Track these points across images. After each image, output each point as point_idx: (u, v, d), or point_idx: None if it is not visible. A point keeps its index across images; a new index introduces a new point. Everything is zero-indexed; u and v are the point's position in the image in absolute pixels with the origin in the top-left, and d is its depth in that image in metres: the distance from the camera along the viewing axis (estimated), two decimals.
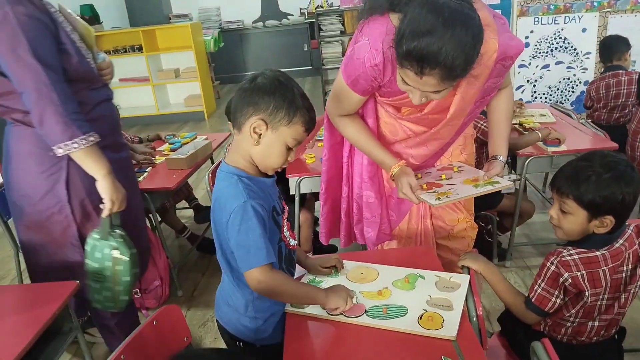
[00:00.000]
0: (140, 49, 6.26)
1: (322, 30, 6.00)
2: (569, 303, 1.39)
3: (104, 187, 1.71)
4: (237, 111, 1.22)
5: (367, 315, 1.30)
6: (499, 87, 1.63)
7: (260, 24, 8.50)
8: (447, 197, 1.56)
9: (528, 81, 4.56)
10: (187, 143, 2.99)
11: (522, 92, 4.57)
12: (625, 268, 1.36)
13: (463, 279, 1.42)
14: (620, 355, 1.52)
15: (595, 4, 4.29)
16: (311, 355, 1.22)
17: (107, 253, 1.74)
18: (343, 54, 6.08)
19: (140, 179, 2.57)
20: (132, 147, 2.73)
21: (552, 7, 4.34)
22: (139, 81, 6.40)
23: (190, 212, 3.51)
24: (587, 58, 4.43)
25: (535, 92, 4.60)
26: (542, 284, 1.38)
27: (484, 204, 2.37)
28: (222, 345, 2.28)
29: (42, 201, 1.79)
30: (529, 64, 4.50)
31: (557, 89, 4.57)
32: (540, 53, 4.47)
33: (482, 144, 2.37)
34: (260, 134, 1.20)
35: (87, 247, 1.77)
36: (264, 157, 1.24)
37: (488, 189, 1.60)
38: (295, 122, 1.20)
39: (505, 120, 1.72)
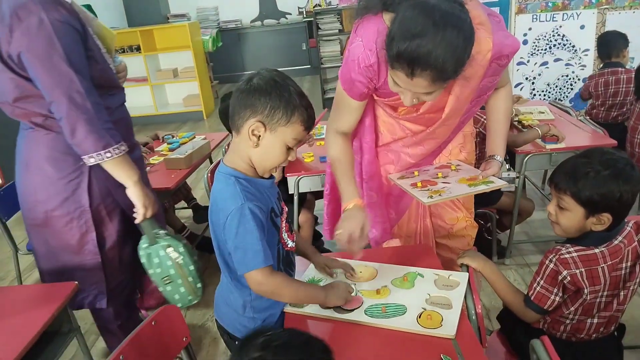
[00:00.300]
0: (138, 49, 6.25)
1: (320, 29, 6.00)
2: (568, 301, 1.39)
3: (136, 194, 1.71)
4: (235, 114, 1.21)
5: (366, 314, 1.30)
6: (495, 85, 1.62)
7: (258, 23, 8.49)
8: (439, 195, 1.56)
9: (527, 78, 4.56)
10: (186, 143, 2.99)
11: (521, 89, 4.57)
12: (624, 265, 1.36)
13: (462, 277, 1.42)
14: (620, 352, 1.52)
15: (593, 0, 4.29)
16: None
17: (162, 254, 1.74)
18: (341, 52, 6.10)
19: None
20: None
21: (550, 4, 4.34)
22: (137, 81, 6.39)
23: (189, 212, 3.51)
24: (586, 55, 4.43)
25: (534, 89, 4.59)
26: (541, 282, 1.38)
27: (483, 201, 2.36)
28: (221, 345, 2.29)
29: (61, 207, 1.75)
30: (528, 61, 4.50)
31: (556, 86, 4.57)
32: (538, 50, 4.46)
33: (483, 139, 2.36)
34: (260, 136, 1.20)
35: (143, 259, 1.75)
36: (264, 158, 1.23)
37: (482, 188, 1.60)
38: (294, 121, 1.19)
39: (503, 120, 1.72)
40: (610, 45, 3.39)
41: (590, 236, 1.35)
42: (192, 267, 1.77)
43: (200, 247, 3.16)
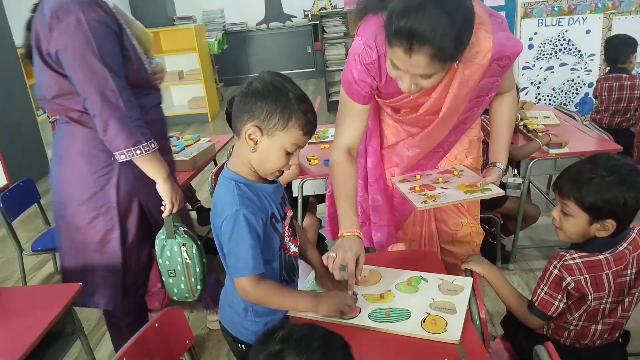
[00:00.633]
0: None
1: (325, 32, 6.00)
2: (572, 307, 1.38)
3: (165, 189, 1.76)
4: (235, 117, 1.21)
5: (370, 318, 1.29)
6: (497, 88, 1.60)
7: (263, 26, 8.51)
8: (433, 200, 1.55)
9: (532, 83, 4.55)
10: (191, 145, 3.00)
11: (526, 93, 4.56)
12: (629, 272, 1.35)
13: (466, 282, 1.42)
14: (624, 359, 1.51)
15: (599, 5, 4.28)
16: None
17: (176, 250, 1.81)
18: (346, 55, 6.09)
19: None
20: None
21: (556, 8, 4.33)
22: None
23: (193, 214, 3.51)
24: (592, 60, 4.42)
25: (539, 93, 4.58)
26: (545, 288, 1.37)
27: (487, 205, 2.36)
28: (225, 347, 2.29)
29: (89, 201, 1.80)
30: (533, 65, 4.49)
31: (561, 91, 4.55)
32: (544, 55, 4.45)
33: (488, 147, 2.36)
34: (257, 140, 1.19)
35: (157, 247, 1.84)
36: (262, 163, 1.22)
37: (477, 196, 1.59)
38: (291, 126, 1.17)
39: (506, 126, 1.71)
40: (618, 50, 3.36)
41: (595, 242, 1.35)
42: (198, 270, 1.82)
43: (205, 249, 3.16)
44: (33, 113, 4.91)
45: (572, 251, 1.35)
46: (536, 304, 1.39)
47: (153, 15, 6.78)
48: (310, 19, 8.18)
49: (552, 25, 4.37)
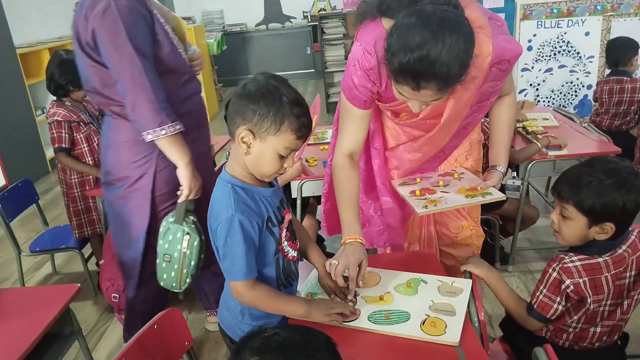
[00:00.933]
0: None
1: (324, 33, 6.01)
2: (571, 309, 1.38)
3: (185, 174, 1.81)
4: (229, 119, 1.21)
5: (369, 320, 1.29)
6: (498, 92, 1.59)
7: (263, 26, 8.51)
8: (434, 205, 1.55)
9: (531, 85, 4.55)
10: None
11: (525, 95, 4.56)
12: (628, 274, 1.35)
13: (465, 284, 1.42)
14: None
15: (598, 7, 4.28)
16: None
17: (178, 237, 1.83)
18: (346, 57, 6.11)
19: None
20: None
21: (555, 10, 4.33)
22: None
23: None
24: (591, 62, 4.42)
25: (538, 95, 4.59)
26: (544, 291, 1.37)
27: (486, 207, 2.36)
28: (223, 349, 2.28)
29: (129, 188, 1.92)
30: (532, 67, 4.49)
31: (560, 93, 4.56)
32: (543, 56, 4.46)
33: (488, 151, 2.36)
34: (250, 144, 1.18)
35: (162, 228, 1.87)
36: (257, 165, 1.22)
37: (478, 200, 1.59)
38: (284, 130, 1.16)
39: (506, 129, 1.70)
40: (620, 52, 3.35)
41: (594, 245, 1.35)
42: (193, 263, 1.85)
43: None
44: (32, 113, 4.91)
45: (572, 254, 1.35)
46: (535, 307, 1.39)
47: None
48: (309, 20, 8.18)
49: (551, 27, 4.38)
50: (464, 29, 1.22)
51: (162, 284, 1.90)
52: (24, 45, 5.11)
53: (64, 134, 2.61)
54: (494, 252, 2.74)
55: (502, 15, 1.41)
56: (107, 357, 2.38)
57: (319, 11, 6.52)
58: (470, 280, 1.44)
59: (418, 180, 1.73)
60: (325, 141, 2.92)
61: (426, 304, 1.34)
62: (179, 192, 1.84)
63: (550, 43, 4.41)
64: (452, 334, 1.22)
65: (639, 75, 3.50)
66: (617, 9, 4.27)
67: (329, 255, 2.46)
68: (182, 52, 1.87)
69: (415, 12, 1.23)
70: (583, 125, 2.97)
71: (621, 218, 1.30)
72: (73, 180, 2.69)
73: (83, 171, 2.69)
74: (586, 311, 1.35)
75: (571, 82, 4.51)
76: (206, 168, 2.03)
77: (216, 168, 2.65)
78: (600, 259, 1.32)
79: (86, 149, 2.67)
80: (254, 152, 1.19)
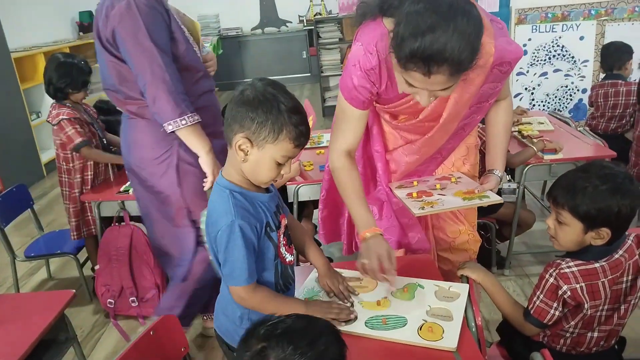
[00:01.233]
0: None
1: (320, 37, 6.02)
2: (568, 315, 1.38)
3: (207, 162, 1.89)
4: (226, 125, 1.20)
5: (366, 326, 1.29)
6: (497, 94, 1.59)
7: (259, 31, 8.51)
8: (431, 207, 1.55)
9: (526, 89, 4.57)
10: None
11: (520, 99, 4.58)
12: (625, 279, 1.35)
13: (462, 289, 1.41)
14: None
15: (592, 12, 4.31)
16: None
17: None
18: (342, 61, 6.11)
19: None
20: None
21: (550, 15, 4.36)
22: None
23: None
24: (585, 66, 4.45)
25: (533, 99, 4.61)
26: (541, 296, 1.37)
27: (482, 211, 2.36)
28: (220, 355, 2.27)
29: (158, 184, 2.00)
30: (527, 71, 4.51)
31: (555, 97, 4.58)
32: (538, 61, 4.48)
33: (483, 157, 2.36)
34: (247, 151, 1.18)
35: (202, 225, 1.90)
36: (254, 172, 1.22)
37: (475, 202, 1.59)
38: (282, 139, 1.15)
39: (503, 133, 1.70)
40: (614, 57, 3.38)
41: (590, 250, 1.35)
42: None
43: None
44: (27, 118, 4.89)
45: (568, 259, 1.35)
46: (532, 312, 1.39)
47: None
48: (305, 24, 8.18)
49: (546, 31, 4.40)
50: (474, 13, 1.20)
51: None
52: (18, 49, 5.10)
53: (79, 129, 2.61)
54: (491, 256, 2.74)
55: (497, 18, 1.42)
56: None
57: (314, 15, 6.53)
58: (467, 285, 1.44)
59: (415, 183, 1.73)
60: (321, 145, 2.91)
61: (423, 309, 1.34)
62: (204, 183, 1.92)
63: (545, 47, 4.44)
64: (449, 339, 1.21)
65: (634, 79, 3.51)
66: (611, 14, 4.30)
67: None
68: (197, 51, 1.96)
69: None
70: (578, 129, 2.98)
71: (617, 223, 1.30)
72: (76, 180, 2.68)
73: (111, 161, 2.73)
74: (583, 316, 1.35)
75: (566, 86, 4.54)
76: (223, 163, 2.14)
77: None
78: (596, 265, 1.33)
79: None
80: (251, 159, 1.19)
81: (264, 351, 0.83)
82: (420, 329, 1.25)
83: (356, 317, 1.32)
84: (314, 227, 2.74)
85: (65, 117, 2.59)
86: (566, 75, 4.50)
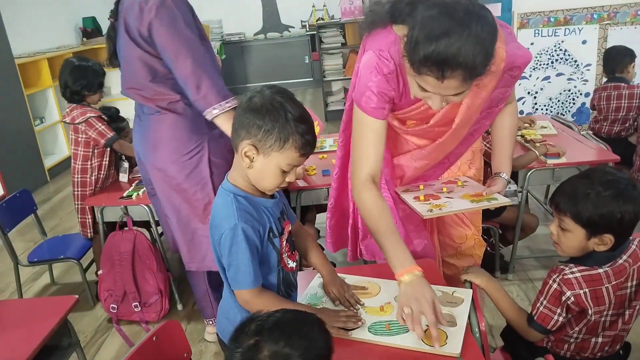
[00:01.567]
0: None
1: (323, 42, 6.02)
2: (572, 320, 1.37)
3: None
4: (233, 131, 1.21)
5: (369, 331, 1.28)
6: (507, 98, 1.59)
7: (261, 36, 8.54)
8: (439, 209, 1.55)
9: (529, 93, 4.57)
10: None
11: (523, 103, 4.58)
12: (629, 284, 1.34)
13: (466, 294, 1.41)
14: None
15: (595, 16, 4.31)
16: None
17: None
18: (344, 65, 6.12)
19: (142, 191, 2.57)
20: None
21: (552, 19, 4.36)
22: None
23: None
24: (588, 70, 4.44)
25: (536, 103, 4.60)
26: (545, 302, 1.36)
27: (486, 215, 2.36)
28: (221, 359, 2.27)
29: (187, 180, 2.00)
30: (530, 75, 4.51)
31: (558, 101, 4.57)
32: (540, 65, 4.48)
33: (485, 164, 2.35)
34: (253, 158, 1.18)
35: None
36: (259, 179, 1.22)
37: (484, 204, 1.58)
38: (288, 148, 1.16)
39: (509, 137, 1.70)
40: (616, 60, 3.38)
41: (594, 256, 1.34)
42: None
43: None
44: (31, 123, 4.91)
45: (572, 265, 1.35)
46: (535, 318, 1.38)
47: None
48: (307, 30, 8.20)
49: (548, 35, 4.40)
50: (489, 19, 1.20)
51: None
52: (22, 55, 5.12)
53: (106, 124, 2.68)
54: (494, 260, 2.73)
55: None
56: None
57: (317, 20, 6.54)
58: (471, 290, 1.43)
59: (421, 187, 1.73)
60: (324, 150, 2.91)
61: None
62: None
63: (547, 51, 4.44)
64: (453, 345, 1.21)
65: (637, 82, 3.51)
66: (613, 18, 4.30)
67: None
68: (212, 50, 2.01)
69: (437, 3, 1.20)
70: (581, 133, 2.97)
71: (620, 229, 1.29)
72: (92, 178, 2.71)
73: None
74: (587, 322, 1.34)
75: (569, 90, 4.53)
76: None
77: None
78: (600, 270, 1.32)
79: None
80: (256, 166, 1.19)
81: (257, 345, 0.86)
82: (424, 335, 1.25)
83: (363, 324, 1.31)
84: (316, 232, 2.74)
85: (93, 114, 2.64)
86: (569, 79, 4.50)
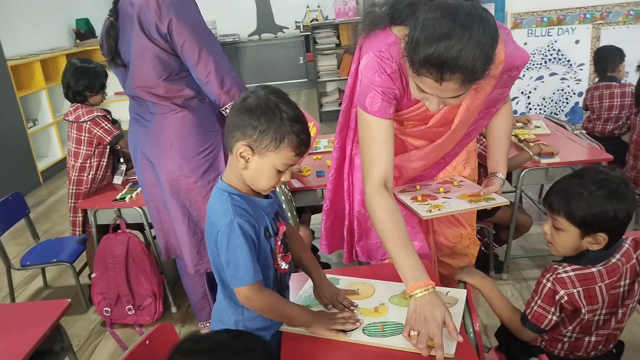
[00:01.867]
0: None
1: (317, 43, 6.03)
2: (565, 319, 1.38)
3: None
4: (227, 131, 1.21)
5: (364, 333, 1.28)
6: (504, 99, 1.60)
7: (255, 37, 8.53)
8: (438, 210, 1.54)
9: (522, 92, 4.58)
10: None
11: (517, 103, 4.59)
12: (622, 283, 1.35)
13: (460, 294, 1.41)
14: None
15: (588, 16, 4.33)
16: None
17: (278, 191, 1.93)
18: (338, 66, 6.12)
19: (135, 193, 2.56)
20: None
21: (545, 19, 4.38)
22: None
23: None
24: (581, 69, 4.46)
25: (529, 103, 4.62)
26: (539, 301, 1.36)
27: (480, 214, 2.36)
28: None
29: (202, 178, 2.00)
30: (523, 75, 4.52)
31: (552, 100, 4.59)
32: (534, 65, 4.50)
33: (479, 165, 2.36)
34: (248, 159, 1.18)
35: None
36: (254, 179, 1.22)
37: (482, 204, 1.59)
38: (283, 147, 1.16)
39: (504, 137, 1.70)
40: (606, 60, 3.41)
41: (587, 255, 1.34)
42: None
43: None
44: (23, 126, 4.88)
45: (565, 264, 1.35)
46: (529, 317, 1.38)
47: None
48: (302, 30, 8.19)
49: (541, 35, 4.42)
50: (491, 23, 1.20)
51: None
52: (15, 57, 5.09)
53: (112, 123, 2.71)
54: (488, 260, 2.73)
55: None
56: None
57: (311, 21, 6.54)
58: (465, 291, 1.43)
59: (418, 187, 1.73)
60: (318, 151, 2.91)
61: None
62: None
63: (541, 51, 4.45)
64: (447, 346, 1.20)
65: (629, 81, 3.53)
66: (606, 18, 4.32)
67: (324, 266, 2.44)
68: None
69: (440, 5, 1.20)
70: (575, 132, 2.98)
71: (613, 228, 1.29)
72: (89, 177, 2.71)
73: None
74: (581, 321, 1.35)
75: (562, 90, 4.55)
76: None
77: None
78: (594, 269, 1.32)
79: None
80: (251, 166, 1.19)
81: None
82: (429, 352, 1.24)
83: (359, 325, 1.30)
84: (311, 233, 2.73)
85: (99, 113, 2.66)
86: (562, 79, 4.52)
